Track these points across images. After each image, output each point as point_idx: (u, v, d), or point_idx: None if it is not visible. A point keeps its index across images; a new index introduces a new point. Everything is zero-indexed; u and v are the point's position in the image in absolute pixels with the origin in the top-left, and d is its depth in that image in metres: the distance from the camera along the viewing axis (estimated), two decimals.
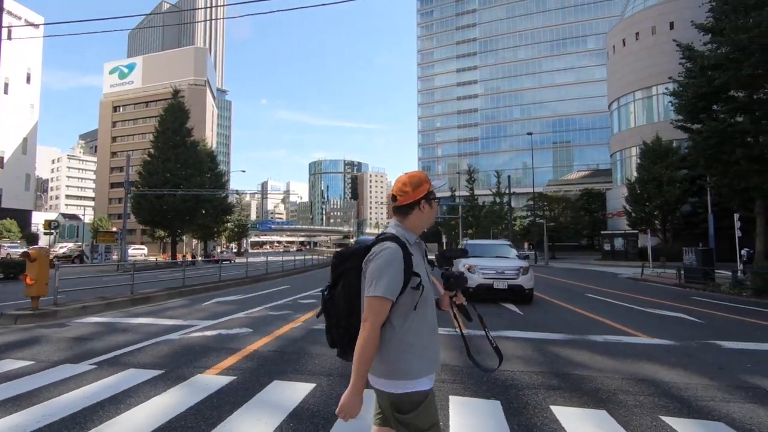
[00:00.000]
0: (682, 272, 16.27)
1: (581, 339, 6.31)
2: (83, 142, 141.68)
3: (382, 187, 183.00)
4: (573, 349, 5.70)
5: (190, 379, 4.20)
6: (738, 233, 18.33)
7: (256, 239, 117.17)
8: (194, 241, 57.43)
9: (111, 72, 78.95)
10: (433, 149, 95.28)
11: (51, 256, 31.92)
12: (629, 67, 39.57)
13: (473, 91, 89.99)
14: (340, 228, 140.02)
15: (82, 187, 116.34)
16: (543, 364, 4.89)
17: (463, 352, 4.87)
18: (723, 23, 14.11)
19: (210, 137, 75.85)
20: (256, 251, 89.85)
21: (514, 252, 11.78)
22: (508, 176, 42.72)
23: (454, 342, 5.71)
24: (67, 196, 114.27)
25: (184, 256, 44.15)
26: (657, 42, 35.88)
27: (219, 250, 49.51)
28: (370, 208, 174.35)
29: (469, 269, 9.84)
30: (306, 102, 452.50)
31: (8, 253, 27.38)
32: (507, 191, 39.69)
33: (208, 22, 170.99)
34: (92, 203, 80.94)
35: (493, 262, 10.33)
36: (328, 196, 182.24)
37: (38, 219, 50.95)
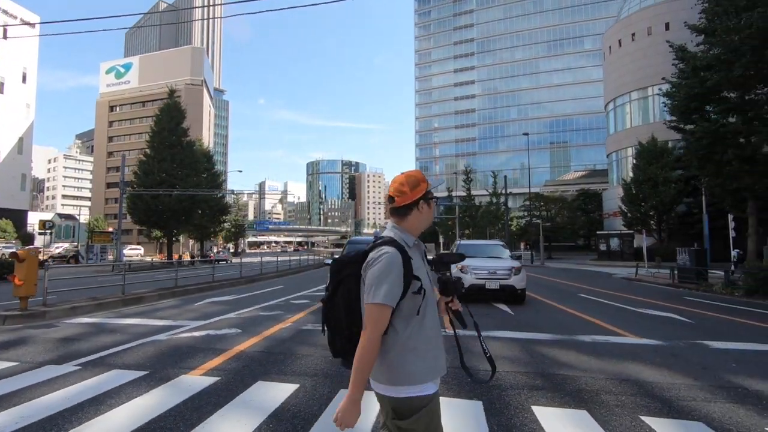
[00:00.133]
0: (676, 272, 16.33)
1: (569, 339, 6.33)
2: (80, 141, 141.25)
3: (379, 187, 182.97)
4: (560, 349, 5.71)
5: (174, 380, 4.19)
6: (732, 233, 18.43)
7: (254, 239, 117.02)
8: (191, 242, 57.35)
9: (107, 72, 78.69)
10: (431, 149, 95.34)
11: (46, 257, 31.81)
12: (625, 67, 39.70)
13: (471, 92, 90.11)
14: (338, 228, 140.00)
15: (78, 187, 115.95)
16: (529, 365, 4.90)
17: (449, 353, 4.87)
18: (715, 24, 14.19)
19: (207, 137, 75.69)
20: (253, 251, 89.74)
21: (507, 252, 11.80)
22: (505, 176, 42.74)
23: (444, 343, 5.70)
24: (64, 196, 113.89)
25: (180, 256, 44.05)
26: (653, 43, 35.99)
27: (215, 251, 49.39)
28: (368, 208, 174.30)
29: (461, 269, 9.85)
30: (304, 102, 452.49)
31: (2, 254, 27.26)
32: (504, 191, 39.74)
33: (205, 23, 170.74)
34: (89, 203, 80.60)
35: (485, 262, 10.35)
36: (325, 197, 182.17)
37: (34, 219, 50.72)
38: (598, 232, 39.54)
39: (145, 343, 5.78)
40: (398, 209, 1.58)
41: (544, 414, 3.40)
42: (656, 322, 8.13)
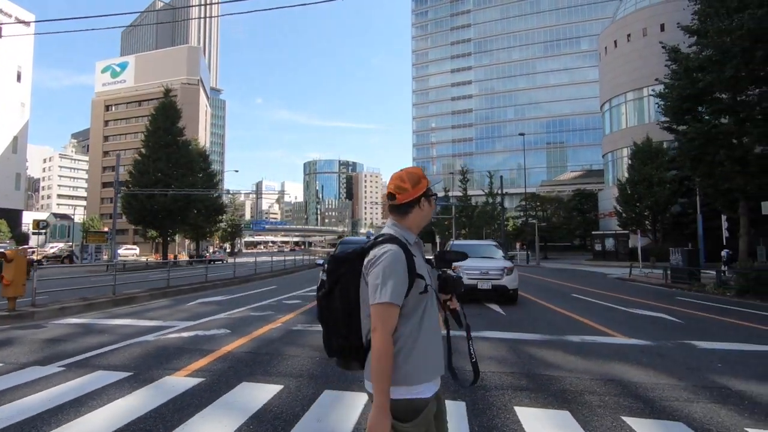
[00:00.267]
0: (669, 272, 16.41)
1: (558, 339, 6.34)
2: (75, 141, 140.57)
3: (377, 187, 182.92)
4: (548, 349, 5.72)
5: (158, 381, 4.17)
6: (725, 233, 18.55)
7: (251, 239, 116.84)
8: (187, 241, 57.19)
9: (103, 71, 78.37)
10: (428, 149, 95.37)
11: (40, 256, 31.62)
12: (621, 68, 39.84)
13: (468, 92, 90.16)
14: (335, 228, 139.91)
15: (74, 187, 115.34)
16: (515, 365, 4.91)
17: None
18: (707, 26, 14.26)
19: (203, 137, 75.50)
20: (250, 251, 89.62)
21: (500, 253, 11.80)
22: (501, 177, 42.81)
23: None
24: (59, 196, 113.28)
25: (175, 256, 43.91)
26: (648, 44, 36.10)
27: (211, 250, 49.26)
28: (365, 208, 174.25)
29: (453, 269, 9.84)
30: (302, 102, 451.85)
31: None
32: (500, 192, 39.82)
33: (202, 22, 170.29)
34: (84, 203, 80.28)
35: (477, 262, 10.35)
36: (322, 196, 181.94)
37: (29, 219, 50.44)
38: (593, 233, 39.69)
39: (132, 344, 5.75)
40: (399, 207, 1.53)
41: (526, 415, 3.41)
42: (646, 322, 8.16)
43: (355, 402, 3.64)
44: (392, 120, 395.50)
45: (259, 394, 3.81)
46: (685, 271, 15.60)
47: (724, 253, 18.26)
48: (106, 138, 75.95)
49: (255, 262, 19.38)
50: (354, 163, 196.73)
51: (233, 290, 13.21)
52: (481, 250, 11.60)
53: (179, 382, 4.14)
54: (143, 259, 42.58)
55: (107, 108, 76.73)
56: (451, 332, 1.66)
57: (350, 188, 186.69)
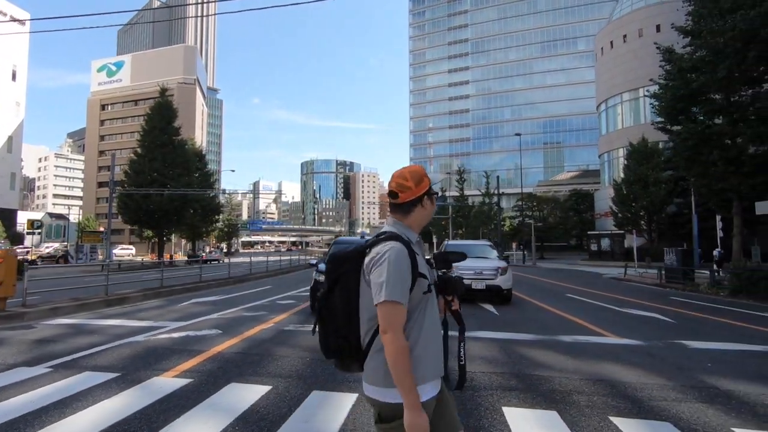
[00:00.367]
0: (663, 272, 16.46)
1: (550, 339, 6.34)
2: (71, 140, 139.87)
3: (374, 187, 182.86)
4: (540, 349, 5.72)
5: (145, 381, 4.14)
6: (720, 233, 18.61)
7: (248, 239, 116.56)
8: (183, 241, 57.00)
9: (99, 70, 78.02)
10: (425, 149, 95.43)
11: (35, 256, 31.43)
12: (617, 69, 39.97)
13: (465, 92, 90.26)
14: (332, 228, 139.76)
15: (70, 186, 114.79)
16: (506, 365, 4.90)
17: None
18: (701, 26, 14.32)
19: (200, 136, 75.26)
20: (247, 251, 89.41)
21: (494, 253, 11.81)
22: (497, 177, 42.89)
23: None
24: (55, 195, 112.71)
25: (171, 256, 43.75)
26: (644, 44, 36.22)
27: (208, 250, 49.11)
28: (362, 208, 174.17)
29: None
30: (299, 102, 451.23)
31: None
32: (496, 192, 39.86)
33: (199, 22, 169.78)
34: (80, 202, 79.86)
35: (471, 262, 10.34)
36: (320, 196, 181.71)
37: (24, 219, 50.16)
38: (589, 233, 39.78)
39: (121, 344, 5.71)
40: (402, 205, 1.50)
41: (514, 415, 3.40)
42: (639, 322, 8.18)
43: (343, 403, 3.63)
44: (390, 120, 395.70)
45: (246, 394, 3.79)
46: (679, 271, 15.66)
47: (715, 252, 18.34)
48: (102, 137, 75.62)
49: (250, 262, 19.32)
50: (351, 163, 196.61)
51: (228, 290, 13.17)
52: (475, 250, 11.60)
53: (167, 382, 4.11)
54: (139, 259, 42.41)
55: (103, 107, 76.39)
56: (445, 333, 1.64)
57: (347, 188, 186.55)
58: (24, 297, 8.00)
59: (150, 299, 10.57)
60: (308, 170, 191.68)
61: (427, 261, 1.59)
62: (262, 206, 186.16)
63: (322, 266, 8.91)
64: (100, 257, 31.89)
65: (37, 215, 57.41)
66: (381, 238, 1.44)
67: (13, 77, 52.52)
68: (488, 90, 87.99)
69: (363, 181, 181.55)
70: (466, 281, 9.81)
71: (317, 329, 1.51)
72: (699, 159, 15.94)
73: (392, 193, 1.51)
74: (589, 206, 46.39)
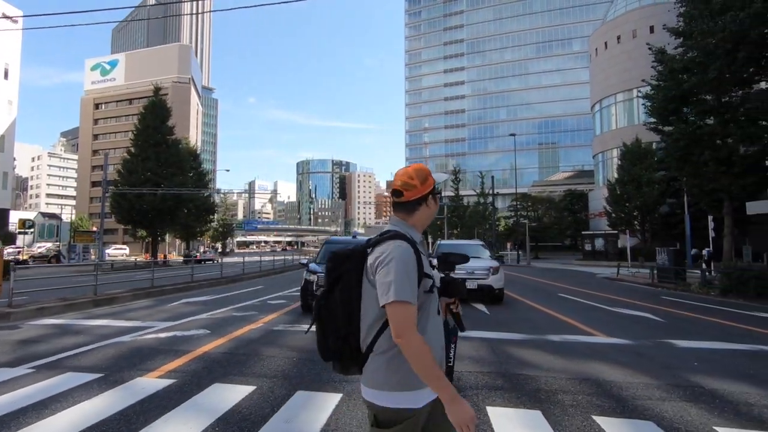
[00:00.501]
0: (655, 272, 16.54)
1: (539, 339, 6.34)
2: (65, 139, 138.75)
3: (370, 187, 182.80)
4: (528, 349, 5.72)
5: (128, 382, 4.10)
6: (711, 233, 18.74)
7: (243, 239, 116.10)
8: (177, 241, 56.72)
9: (92, 69, 77.48)
10: (421, 149, 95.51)
11: (27, 256, 31.14)
12: (611, 69, 40.13)
13: (461, 92, 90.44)
14: (328, 228, 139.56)
15: (63, 186, 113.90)
16: (493, 365, 4.89)
17: None
18: (692, 28, 14.42)
19: (194, 136, 74.91)
20: (242, 251, 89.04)
21: (487, 252, 11.83)
22: (492, 177, 42.98)
23: None
24: (48, 195, 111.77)
25: (165, 255, 43.51)
26: (637, 45, 36.36)
27: (202, 250, 48.88)
28: (358, 208, 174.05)
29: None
30: (294, 101, 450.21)
31: None
32: (491, 192, 39.95)
33: (194, 22, 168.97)
34: (74, 202, 79.25)
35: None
36: (315, 196, 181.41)
37: (17, 218, 49.68)
38: (583, 233, 39.93)
39: (107, 345, 5.65)
40: (406, 204, 1.47)
41: (497, 415, 3.39)
42: (629, 321, 8.21)
43: (327, 403, 3.60)
44: (386, 120, 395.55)
45: (229, 395, 3.75)
46: (671, 270, 15.74)
47: (704, 252, 18.48)
48: (95, 136, 75.09)
49: (243, 262, 19.23)
50: (347, 163, 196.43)
51: (219, 290, 13.10)
52: (468, 250, 11.60)
53: (150, 383, 4.07)
54: (132, 259, 42.13)
55: (97, 106, 75.86)
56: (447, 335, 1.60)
57: (343, 188, 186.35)
58: (10, 297, 7.90)
59: (140, 299, 10.49)
60: (304, 170, 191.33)
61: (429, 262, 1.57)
62: (257, 206, 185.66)
63: (313, 266, 8.89)
64: (93, 257, 31.68)
65: (30, 215, 56.88)
66: (385, 236, 1.41)
67: (6, 75, 52.02)
68: (484, 90, 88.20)
69: (359, 181, 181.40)
70: None
71: (315, 330, 1.46)
72: (690, 159, 16.05)
73: (396, 192, 1.47)
74: (584, 206, 46.57)
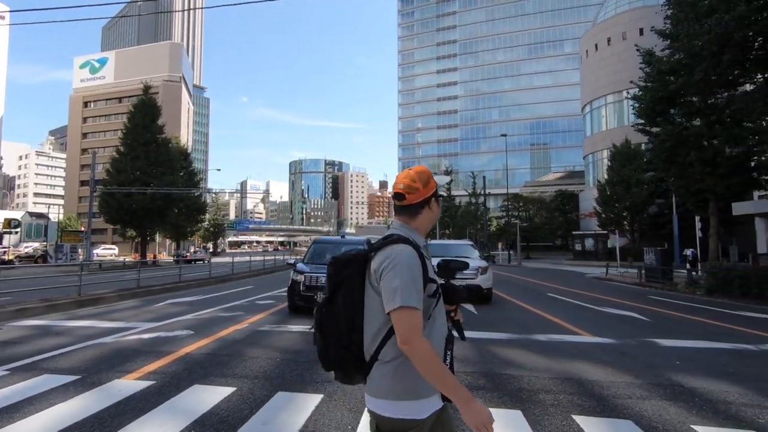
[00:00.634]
0: (643, 272, 16.70)
1: (525, 338, 6.36)
2: (53, 138, 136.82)
3: (362, 187, 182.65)
4: (514, 348, 5.73)
5: (106, 384, 4.03)
6: (698, 233, 18.97)
7: (235, 239, 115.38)
8: (168, 241, 56.20)
9: (82, 66, 76.47)
10: (414, 149, 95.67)
11: (13, 256, 30.66)
12: (601, 71, 40.50)
13: (453, 93, 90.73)
14: (320, 228, 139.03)
15: (51, 185, 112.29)
16: (477, 365, 4.89)
17: None
18: (679, 30, 14.59)
19: (185, 135, 74.29)
20: (233, 251, 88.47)
21: (476, 252, 11.86)
22: (483, 177, 43.15)
23: None
24: (36, 194, 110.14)
25: (155, 255, 43.09)
26: (627, 47, 36.62)
27: (192, 250, 48.48)
28: (351, 208, 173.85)
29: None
30: (287, 101, 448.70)
31: None
32: (483, 192, 40.11)
33: (185, 20, 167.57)
34: (62, 201, 78.19)
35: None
36: (308, 196, 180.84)
37: (2, 217, 48.87)
38: (573, 233, 40.25)
39: (88, 346, 5.56)
40: (409, 207, 1.44)
41: None
42: (615, 321, 8.26)
43: (307, 404, 3.57)
44: (378, 120, 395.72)
45: (208, 396, 3.70)
46: (659, 270, 15.91)
47: (689, 252, 18.72)
48: (84, 135, 74.14)
49: (232, 262, 19.08)
50: (340, 163, 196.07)
51: (207, 290, 12.99)
52: (456, 250, 11.63)
53: (127, 385, 4.00)
54: (121, 259, 41.65)
55: (86, 104, 74.91)
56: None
57: (336, 188, 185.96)
58: None
59: (126, 300, 10.36)
60: (297, 170, 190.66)
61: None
62: (249, 206, 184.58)
63: (300, 266, 8.84)
64: (81, 257, 31.25)
65: (17, 214, 55.98)
66: (388, 240, 1.37)
67: None
68: (476, 91, 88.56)
69: (352, 181, 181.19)
70: None
71: (316, 339, 1.42)
72: (677, 160, 16.25)
73: (398, 195, 1.44)
74: (574, 207, 46.95)
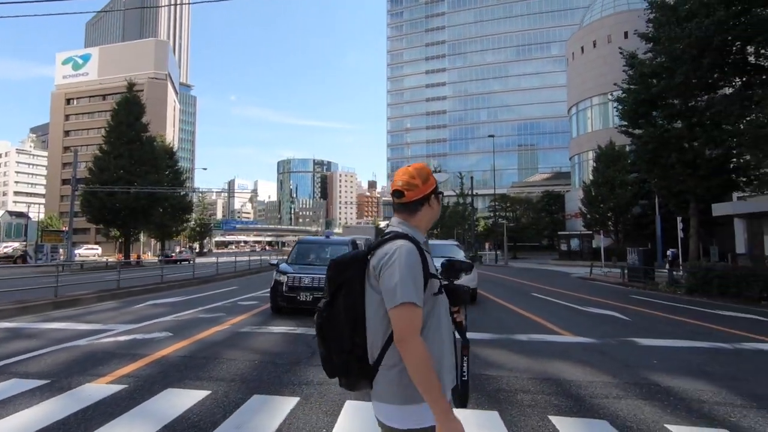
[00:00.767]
0: (626, 272, 16.94)
1: (506, 338, 6.38)
2: (34, 135, 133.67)
3: (351, 187, 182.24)
4: (494, 348, 5.74)
5: (76, 389, 3.91)
6: (681, 234, 19.31)
7: (222, 239, 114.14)
8: (152, 241, 55.35)
9: (64, 62, 74.86)
10: (403, 149, 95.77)
11: None
12: (587, 73, 41.02)
13: (442, 93, 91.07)
14: (309, 228, 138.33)
15: (32, 184, 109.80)
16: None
17: None
18: (660, 33, 14.85)
19: (171, 133, 73.26)
20: (220, 251, 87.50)
21: (462, 253, 11.90)
22: (471, 177, 43.38)
23: None
24: (16, 193, 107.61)
25: (139, 256, 42.40)
26: (612, 50, 37.12)
27: (178, 250, 47.81)
28: (339, 207, 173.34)
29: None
30: (275, 99, 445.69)
31: None
32: (471, 192, 40.32)
33: (172, 18, 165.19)
34: (43, 200, 76.48)
35: (437, 262, 10.32)
36: (297, 196, 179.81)
37: None
38: (559, 233, 40.68)
39: (60, 349, 5.41)
40: (408, 204, 1.42)
41: None
42: (596, 320, 8.34)
43: (282, 407, 3.51)
44: (367, 120, 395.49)
45: (181, 400, 3.62)
46: (641, 270, 16.14)
47: (669, 252, 19.06)
48: (66, 133, 72.60)
49: (217, 262, 18.85)
50: (329, 163, 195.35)
51: (190, 291, 12.79)
52: (442, 250, 11.63)
53: (99, 389, 3.89)
54: (104, 259, 40.86)
55: (68, 102, 73.36)
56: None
57: (325, 188, 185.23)
58: None
59: (105, 301, 10.14)
60: (285, 169, 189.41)
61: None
62: (237, 205, 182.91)
63: (283, 266, 8.75)
64: (62, 257, 30.57)
65: None
66: (387, 238, 1.35)
67: None
68: (465, 92, 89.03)
69: (340, 181, 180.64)
70: None
71: (318, 346, 1.38)
72: (659, 162, 16.53)
73: (397, 192, 1.41)
74: (561, 207, 47.48)
